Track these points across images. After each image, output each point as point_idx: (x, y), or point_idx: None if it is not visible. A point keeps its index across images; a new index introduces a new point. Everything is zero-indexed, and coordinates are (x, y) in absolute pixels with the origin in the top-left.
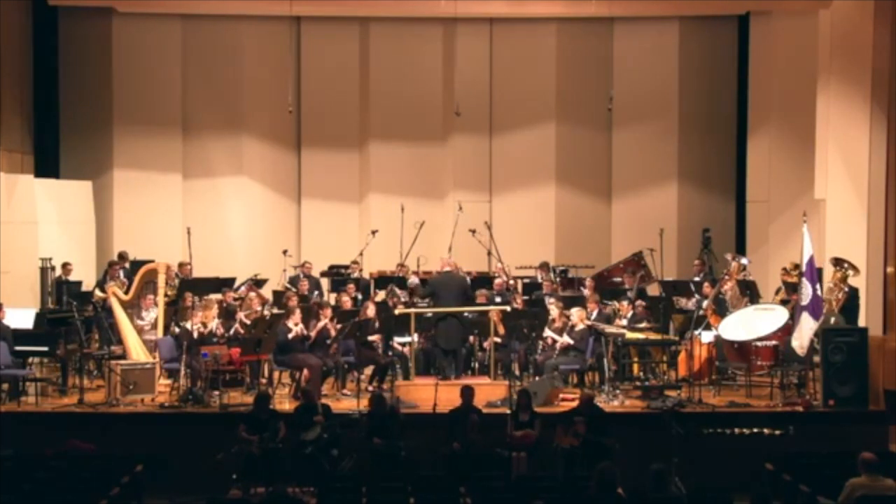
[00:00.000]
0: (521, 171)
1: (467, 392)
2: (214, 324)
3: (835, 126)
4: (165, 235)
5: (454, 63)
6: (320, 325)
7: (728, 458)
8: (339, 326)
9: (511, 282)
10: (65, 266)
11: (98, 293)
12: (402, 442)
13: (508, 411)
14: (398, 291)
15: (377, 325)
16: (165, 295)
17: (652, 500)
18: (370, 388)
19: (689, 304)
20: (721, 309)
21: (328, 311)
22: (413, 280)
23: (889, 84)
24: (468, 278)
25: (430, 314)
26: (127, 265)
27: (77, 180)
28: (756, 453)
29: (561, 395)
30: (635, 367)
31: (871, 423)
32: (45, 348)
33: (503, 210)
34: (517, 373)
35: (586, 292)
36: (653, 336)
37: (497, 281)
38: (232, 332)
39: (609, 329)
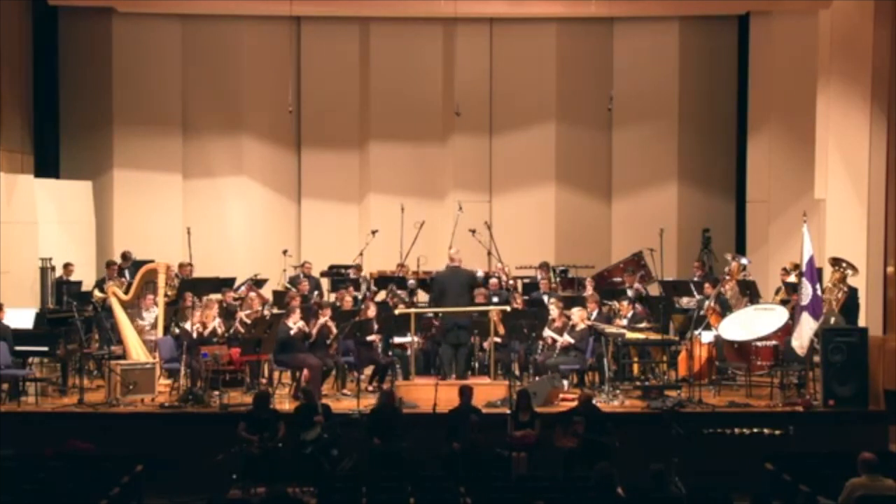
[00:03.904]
0: (521, 171)
1: (466, 392)
2: (216, 322)
3: (835, 126)
4: (165, 235)
5: (454, 63)
6: (320, 322)
7: (728, 458)
8: (335, 345)
9: (511, 282)
10: (66, 266)
11: (97, 293)
12: (404, 442)
13: (508, 411)
14: (398, 291)
15: (377, 325)
16: (165, 295)
17: (652, 500)
18: (370, 388)
19: (691, 303)
20: (721, 309)
21: (328, 311)
22: (412, 283)
23: (889, 84)
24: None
25: (430, 314)
26: (129, 264)
27: (77, 180)
28: (756, 453)
29: (561, 395)
30: (635, 367)
31: (871, 423)
32: (45, 348)
33: (503, 210)
34: (517, 373)
35: (587, 292)
36: (653, 336)
37: (492, 281)
38: (232, 331)
39: (609, 329)
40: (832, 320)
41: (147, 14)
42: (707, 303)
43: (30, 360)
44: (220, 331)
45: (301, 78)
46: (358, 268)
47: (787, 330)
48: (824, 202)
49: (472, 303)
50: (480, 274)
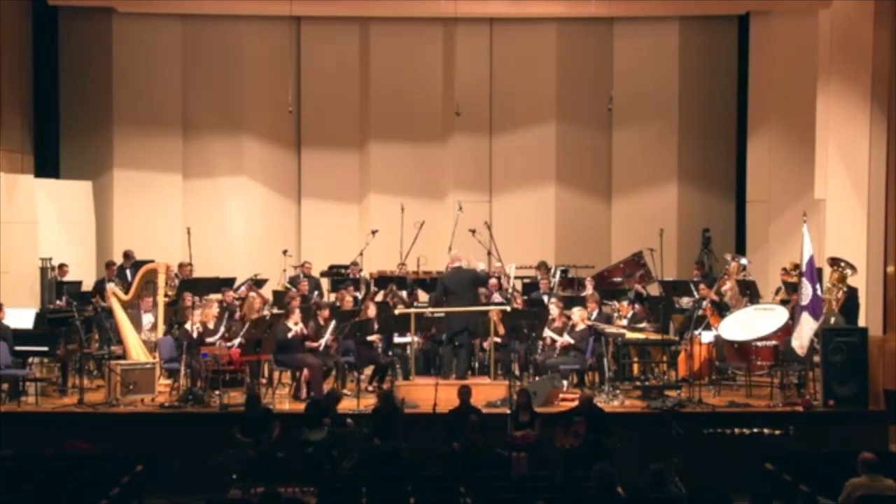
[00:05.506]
0: (521, 171)
1: (465, 392)
2: (221, 330)
3: (835, 126)
4: (165, 235)
5: (454, 63)
6: (322, 341)
7: (728, 458)
8: (335, 346)
9: (510, 291)
10: (60, 267)
11: (100, 301)
12: (404, 443)
13: (508, 411)
14: (398, 291)
15: (377, 325)
16: (165, 295)
17: (652, 500)
18: (370, 388)
19: (689, 302)
20: (721, 309)
21: (326, 312)
22: (405, 299)
23: (889, 84)
24: (483, 271)
25: (429, 313)
26: (130, 263)
27: (77, 180)
28: (756, 453)
29: (561, 395)
30: (635, 367)
31: (871, 423)
32: (45, 348)
33: (503, 210)
34: (517, 373)
35: (587, 292)
36: (653, 336)
37: (491, 281)
38: (231, 332)
39: (609, 329)
40: (832, 320)
41: (147, 14)
42: (704, 302)
43: (30, 360)
44: (219, 331)
45: (301, 78)
46: (355, 265)
47: (787, 330)
48: (824, 202)
49: (478, 301)
50: (482, 267)
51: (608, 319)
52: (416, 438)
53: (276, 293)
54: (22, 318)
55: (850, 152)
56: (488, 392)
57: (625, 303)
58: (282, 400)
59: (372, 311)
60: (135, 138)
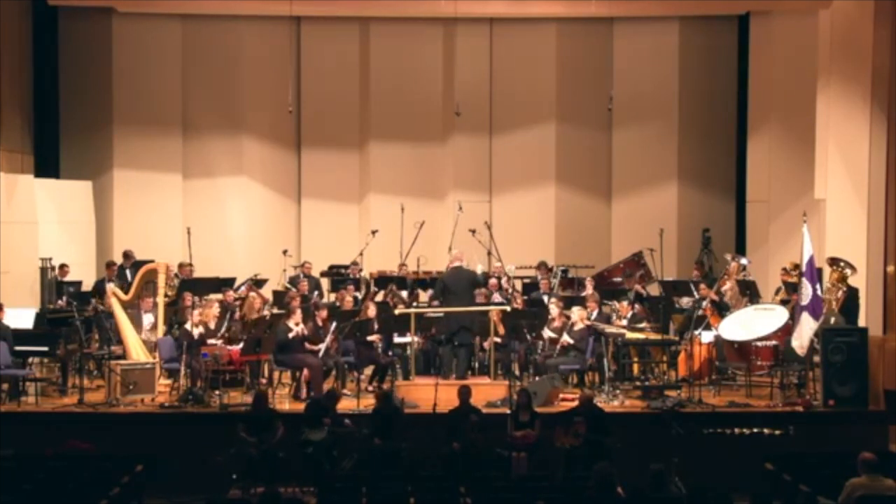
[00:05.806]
0: (521, 171)
1: (465, 392)
2: (223, 328)
3: (835, 126)
4: (165, 235)
5: (454, 63)
6: (322, 346)
7: (728, 458)
8: (335, 346)
9: (509, 292)
10: (61, 267)
11: (100, 302)
12: (405, 443)
13: (508, 411)
14: (398, 291)
15: (377, 325)
16: (165, 295)
17: (652, 500)
18: (370, 388)
19: (689, 302)
20: (721, 309)
21: (324, 313)
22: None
23: (889, 84)
24: (484, 272)
25: (431, 314)
26: (130, 263)
27: (77, 180)
28: (756, 453)
29: (561, 395)
30: (635, 367)
31: (871, 423)
32: (45, 348)
33: (503, 210)
34: (517, 373)
35: (587, 292)
36: (653, 336)
37: (491, 281)
38: (232, 332)
39: (609, 329)
40: (832, 320)
41: (147, 14)
42: (704, 302)
43: (30, 360)
44: (220, 331)
45: (301, 78)
46: (355, 265)
47: (787, 330)
48: (824, 202)
49: (476, 302)
50: (480, 270)
51: (608, 319)
52: (416, 438)
53: (276, 293)
54: (22, 318)
55: (850, 152)
56: (488, 392)
57: (625, 303)
58: (282, 400)
59: (372, 311)
60: (135, 138)
